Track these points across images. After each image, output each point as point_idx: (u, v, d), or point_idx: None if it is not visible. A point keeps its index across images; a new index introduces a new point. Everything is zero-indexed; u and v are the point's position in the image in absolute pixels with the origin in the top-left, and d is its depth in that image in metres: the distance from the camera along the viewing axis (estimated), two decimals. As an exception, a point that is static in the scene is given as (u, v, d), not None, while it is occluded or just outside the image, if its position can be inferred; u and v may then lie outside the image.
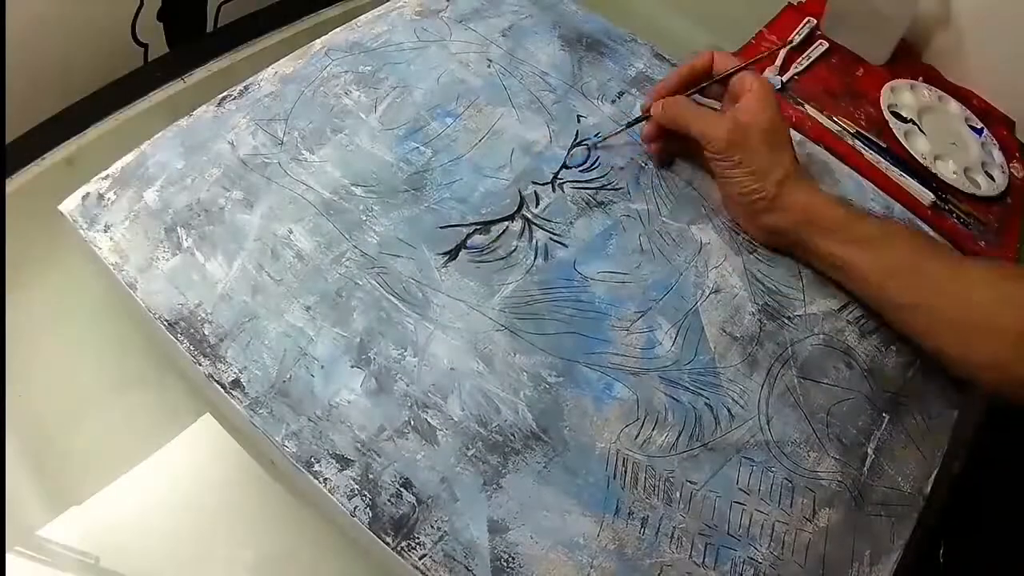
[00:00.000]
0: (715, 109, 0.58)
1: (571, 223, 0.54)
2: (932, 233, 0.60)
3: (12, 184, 0.59)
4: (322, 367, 0.46)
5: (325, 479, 0.43)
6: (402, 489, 0.43)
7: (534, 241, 0.53)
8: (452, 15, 0.66)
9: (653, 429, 0.46)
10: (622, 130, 0.59)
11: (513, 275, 0.51)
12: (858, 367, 0.51)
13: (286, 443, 0.44)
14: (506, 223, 0.53)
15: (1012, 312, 0.45)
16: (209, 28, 0.79)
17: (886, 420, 0.50)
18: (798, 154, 0.61)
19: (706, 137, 0.53)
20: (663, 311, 0.51)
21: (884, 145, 0.71)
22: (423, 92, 0.60)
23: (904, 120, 0.75)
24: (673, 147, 0.59)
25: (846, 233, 0.50)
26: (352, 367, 0.46)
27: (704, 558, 0.43)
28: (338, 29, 0.64)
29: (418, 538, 0.41)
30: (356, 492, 0.42)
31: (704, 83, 0.57)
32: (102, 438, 0.53)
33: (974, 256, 0.64)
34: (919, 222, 0.62)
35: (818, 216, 0.51)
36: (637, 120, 0.59)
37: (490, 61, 0.63)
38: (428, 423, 0.45)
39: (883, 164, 0.69)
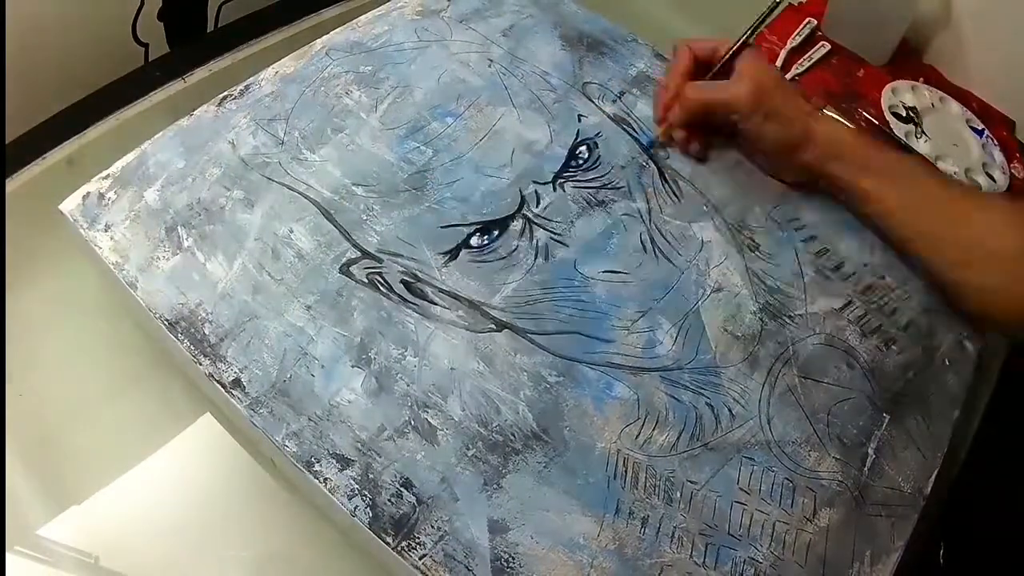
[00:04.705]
0: None
1: (572, 222, 0.54)
2: None
3: (12, 184, 0.59)
4: (322, 367, 0.46)
5: (325, 479, 0.43)
6: (402, 489, 0.43)
7: (535, 240, 0.53)
8: (453, 15, 0.66)
9: (654, 429, 0.46)
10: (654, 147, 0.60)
11: (514, 275, 0.51)
12: (859, 367, 0.51)
13: (286, 443, 0.44)
14: (507, 222, 0.53)
15: None
16: (210, 28, 0.79)
17: (887, 420, 0.50)
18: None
19: (732, 101, 0.56)
20: (664, 310, 0.51)
21: (885, 146, 0.71)
22: (424, 92, 0.59)
23: (905, 121, 0.74)
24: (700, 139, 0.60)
25: (872, 161, 0.53)
26: (352, 367, 0.46)
27: (705, 558, 0.43)
28: (339, 29, 0.64)
29: (418, 538, 0.41)
30: (356, 492, 0.42)
31: (708, 72, 0.59)
32: (102, 437, 0.53)
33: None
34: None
35: (845, 147, 0.53)
36: (662, 144, 0.60)
37: (491, 61, 0.63)
38: (428, 423, 0.45)
39: (884, 164, 0.69)
